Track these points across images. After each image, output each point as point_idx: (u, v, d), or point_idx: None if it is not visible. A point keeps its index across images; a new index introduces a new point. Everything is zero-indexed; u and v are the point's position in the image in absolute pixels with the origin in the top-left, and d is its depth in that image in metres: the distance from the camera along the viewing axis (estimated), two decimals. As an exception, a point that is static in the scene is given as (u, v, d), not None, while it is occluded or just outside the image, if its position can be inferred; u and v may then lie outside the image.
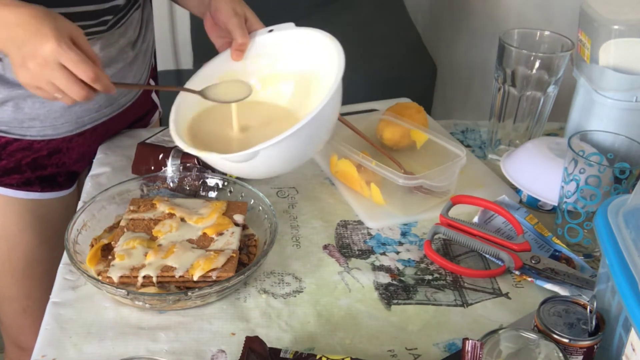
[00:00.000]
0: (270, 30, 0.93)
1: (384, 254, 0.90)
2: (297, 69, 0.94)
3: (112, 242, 0.86)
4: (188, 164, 0.98)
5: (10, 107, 0.98)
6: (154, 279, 0.79)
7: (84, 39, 0.78)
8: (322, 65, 0.88)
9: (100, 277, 0.80)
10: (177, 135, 0.84)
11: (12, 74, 0.96)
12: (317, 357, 0.68)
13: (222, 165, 0.85)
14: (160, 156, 1.00)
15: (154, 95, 1.26)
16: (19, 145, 1.02)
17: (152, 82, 1.23)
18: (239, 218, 0.89)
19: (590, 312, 0.67)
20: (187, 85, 0.91)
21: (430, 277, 0.86)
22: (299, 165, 0.87)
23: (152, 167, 1.00)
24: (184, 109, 0.90)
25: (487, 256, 0.89)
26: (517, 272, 0.86)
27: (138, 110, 1.19)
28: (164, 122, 1.30)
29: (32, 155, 1.04)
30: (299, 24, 0.93)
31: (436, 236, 0.92)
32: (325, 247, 0.91)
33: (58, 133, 1.04)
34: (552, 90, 1.06)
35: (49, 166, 1.07)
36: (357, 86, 1.66)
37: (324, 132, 0.84)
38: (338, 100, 0.83)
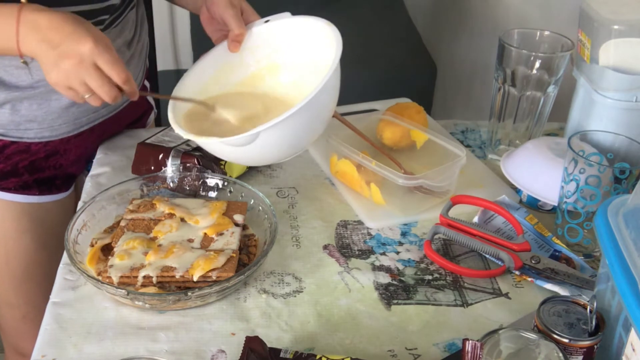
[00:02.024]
0: (267, 21, 0.94)
1: (384, 254, 0.90)
2: (295, 58, 0.94)
3: (112, 242, 0.86)
4: (188, 164, 0.98)
5: (8, 110, 0.98)
6: (154, 279, 0.79)
7: (111, 46, 0.81)
8: (320, 52, 0.89)
9: (100, 277, 0.80)
10: (176, 122, 0.85)
11: (9, 76, 0.96)
12: (317, 357, 0.68)
13: (220, 150, 0.85)
14: (160, 156, 1.00)
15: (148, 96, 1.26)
16: (16, 147, 1.02)
17: (146, 83, 1.24)
18: (239, 218, 0.89)
19: (590, 312, 0.67)
20: (185, 77, 0.92)
21: (430, 277, 0.86)
22: (295, 152, 0.87)
23: (152, 167, 1.00)
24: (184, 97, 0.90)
25: (487, 256, 0.89)
26: (517, 272, 0.86)
27: (134, 111, 1.19)
28: (159, 122, 1.30)
29: (30, 157, 1.04)
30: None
31: (436, 236, 0.92)
32: (325, 247, 0.91)
33: (56, 134, 1.04)
34: (552, 90, 1.06)
35: (47, 168, 1.06)
36: (357, 86, 1.67)
37: (323, 117, 0.84)
38: (336, 84, 0.83)
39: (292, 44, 0.93)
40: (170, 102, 0.88)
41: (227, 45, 0.93)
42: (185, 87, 0.91)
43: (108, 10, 0.98)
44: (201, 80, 0.93)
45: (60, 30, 0.78)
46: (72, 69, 0.78)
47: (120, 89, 0.82)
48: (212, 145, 0.84)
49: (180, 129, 0.83)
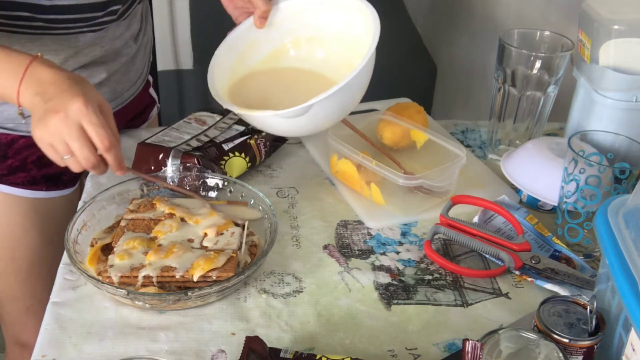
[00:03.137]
0: None
1: (384, 254, 0.90)
2: (320, 32, 0.96)
3: (112, 242, 0.86)
4: (188, 164, 0.98)
5: None
6: (154, 279, 0.79)
7: (110, 113, 0.79)
8: (345, 24, 0.91)
9: (100, 277, 0.80)
10: (222, 99, 0.86)
11: None
12: (317, 357, 0.68)
13: (271, 123, 0.87)
14: (160, 156, 1.00)
15: (151, 90, 1.27)
16: (25, 142, 1.03)
17: (150, 78, 1.24)
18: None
19: (590, 312, 0.67)
20: (215, 54, 0.93)
21: (430, 277, 0.86)
22: (337, 121, 0.91)
23: (152, 167, 1.00)
24: (219, 76, 0.92)
25: (487, 256, 0.89)
26: (517, 272, 0.86)
27: (138, 105, 1.19)
28: (160, 117, 1.30)
29: (38, 152, 1.03)
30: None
31: (436, 236, 0.92)
32: (325, 247, 0.91)
33: None
34: (552, 90, 1.06)
35: (54, 163, 1.07)
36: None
37: (364, 85, 0.87)
38: (374, 52, 0.85)
39: (317, 18, 0.95)
40: (209, 82, 0.89)
41: (252, 22, 0.94)
42: (216, 68, 0.92)
43: (119, 1, 1.00)
44: (230, 59, 0.95)
45: (58, 85, 0.77)
46: (55, 125, 0.76)
47: (103, 159, 0.79)
48: (265, 118, 0.85)
49: (230, 105, 0.85)
